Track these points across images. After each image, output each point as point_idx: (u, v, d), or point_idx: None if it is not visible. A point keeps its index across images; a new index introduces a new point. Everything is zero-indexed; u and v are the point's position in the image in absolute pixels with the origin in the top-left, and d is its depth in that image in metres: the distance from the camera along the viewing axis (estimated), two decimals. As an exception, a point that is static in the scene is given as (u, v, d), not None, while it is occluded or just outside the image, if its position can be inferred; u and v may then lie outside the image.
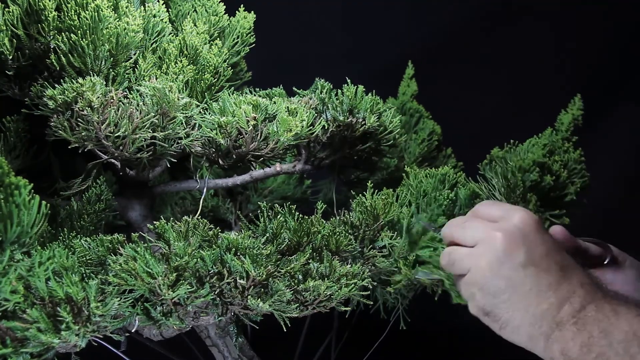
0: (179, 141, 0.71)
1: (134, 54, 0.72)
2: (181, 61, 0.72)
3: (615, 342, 0.47)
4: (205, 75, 0.73)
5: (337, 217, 0.71)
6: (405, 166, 0.92)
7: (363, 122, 0.76)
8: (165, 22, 0.76)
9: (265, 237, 0.63)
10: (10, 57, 0.66)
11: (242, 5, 0.86)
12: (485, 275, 0.53)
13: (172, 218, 0.63)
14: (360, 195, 0.71)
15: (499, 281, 0.52)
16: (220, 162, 0.73)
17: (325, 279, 0.60)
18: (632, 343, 0.47)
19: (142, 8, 0.74)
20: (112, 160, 0.75)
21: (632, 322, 0.48)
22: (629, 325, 0.47)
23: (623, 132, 1.55)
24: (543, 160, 0.65)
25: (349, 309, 0.62)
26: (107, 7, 0.67)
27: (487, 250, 0.54)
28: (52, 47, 0.68)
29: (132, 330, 0.60)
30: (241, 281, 0.57)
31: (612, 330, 0.48)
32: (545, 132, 0.73)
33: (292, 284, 0.59)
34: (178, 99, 0.68)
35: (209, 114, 0.71)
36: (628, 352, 0.46)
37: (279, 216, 0.64)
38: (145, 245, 0.58)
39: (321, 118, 0.76)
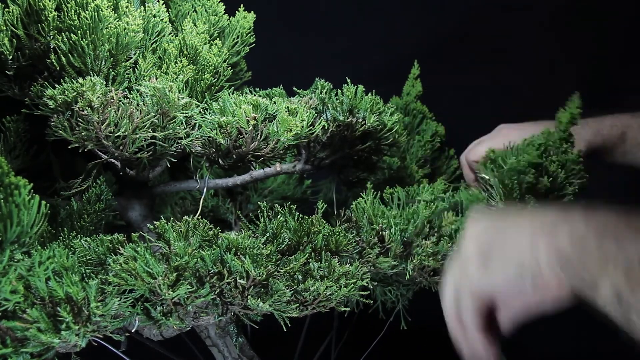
0: (179, 141, 0.71)
1: (134, 54, 0.73)
2: (181, 61, 0.72)
3: (622, 250, 0.42)
4: (205, 75, 0.73)
5: (338, 219, 0.71)
6: (406, 167, 0.92)
7: (363, 122, 0.76)
8: (165, 22, 0.76)
9: (265, 237, 0.63)
10: (10, 57, 0.66)
11: (242, 5, 0.86)
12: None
13: (172, 218, 0.63)
14: (360, 196, 0.71)
15: (490, 236, 0.51)
16: (220, 162, 0.73)
17: (325, 279, 0.60)
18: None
19: (142, 8, 0.74)
20: (112, 160, 0.75)
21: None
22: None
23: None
24: (538, 161, 0.64)
25: (348, 309, 0.62)
26: (107, 7, 0.67)
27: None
28: (52, 47, 0.68)
29: (132, 330, 0.60)
30: (241, 281, 0.57)
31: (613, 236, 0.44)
32: (543, 131, 0.72)
33: (292, 284, 0.59)
34: (178, 99, 0.68)
35: (209, 113, 0.71)
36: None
37: (279, 216, 0.64)
38: (145, 245, 0.58)
39: (321, 118, 0.76)
